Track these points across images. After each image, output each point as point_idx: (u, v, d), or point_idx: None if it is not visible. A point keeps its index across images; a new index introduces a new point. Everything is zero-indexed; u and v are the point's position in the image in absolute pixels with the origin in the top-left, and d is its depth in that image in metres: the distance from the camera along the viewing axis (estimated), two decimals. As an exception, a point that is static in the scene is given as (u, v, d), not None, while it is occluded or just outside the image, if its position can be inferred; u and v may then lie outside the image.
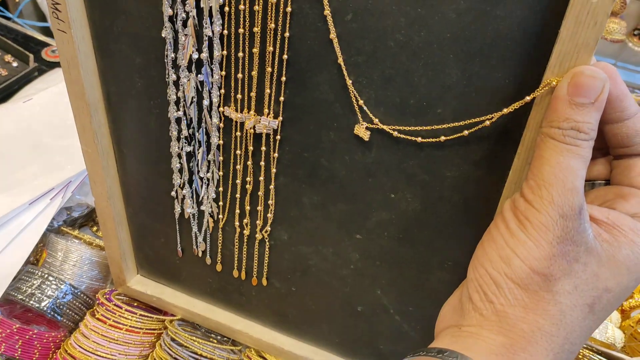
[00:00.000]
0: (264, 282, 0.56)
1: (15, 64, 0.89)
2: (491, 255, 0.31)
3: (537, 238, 0.29)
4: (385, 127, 0.38)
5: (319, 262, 0.51)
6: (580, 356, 0.60)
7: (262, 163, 0.46)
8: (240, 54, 0.40)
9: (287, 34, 0.37)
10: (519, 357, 0.29)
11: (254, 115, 0.43)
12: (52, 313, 0.63)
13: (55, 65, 0.91)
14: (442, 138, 0.37)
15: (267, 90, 0.40)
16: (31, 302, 0.62)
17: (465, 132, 0.36)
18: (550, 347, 0.29)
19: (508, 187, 0.37)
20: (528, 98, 0.32)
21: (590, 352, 0.60)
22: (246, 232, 0.52)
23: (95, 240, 0.71)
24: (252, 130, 0.44)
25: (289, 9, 0.36)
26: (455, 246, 0.44)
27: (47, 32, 1.13)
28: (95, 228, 0.76)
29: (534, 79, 0.32)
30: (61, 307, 0.64)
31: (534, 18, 0.31)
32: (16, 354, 0.60)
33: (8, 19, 1.07)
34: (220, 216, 0.52)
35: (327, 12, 0.35)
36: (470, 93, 0.35)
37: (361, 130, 0.39)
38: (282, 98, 0.41)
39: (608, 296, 0.30)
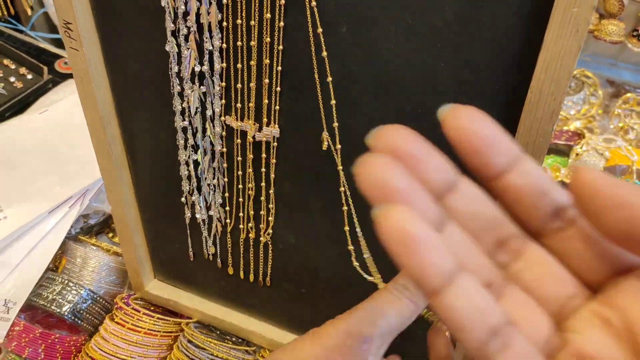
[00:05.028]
0: (271, 283, 0.57)
1: (29, 76, 0.91)
2: None
3: None
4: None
5: (326, 263, 0.52)
6: None
7: (263, 169, 0.47)
8: (239, 66, 0.42)
9: (280, 47, 0.39)
10: None
11: (253, 124, 0.44)
12: (72, 317, 0.65)
13: (69, 76, 0.94)
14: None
15: (265, 100, 0.42)
16: (52, 307, 0.65)
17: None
18: None
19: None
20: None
21: None
22: (252, 235, 0.54)
23: (112, 247, 0.73)
24: (251, 138, 0.45)
25: (281, 23, 0.38)
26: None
27: (58, 43, 1.15)
28: (111, 234, 0.78)
29: (523, 85, 0.33)
30: (81, 311, 0.66)
31: (519, 25, 0.32)
32: (39, 358, 0.62)
33: (21, 32, 1.10)
34: (228, 221, 0.54)
35: (319, 30, 0.36)
36: (463, 99, 0.36)
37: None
38: (277, 107, 0.43)
39: None
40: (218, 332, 0.67)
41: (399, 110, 0.39)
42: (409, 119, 0.39)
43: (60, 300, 0.65)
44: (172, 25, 0.42)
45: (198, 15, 0.40)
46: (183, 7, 0.40)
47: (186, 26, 0.42)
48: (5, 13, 0.96)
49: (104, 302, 0.68)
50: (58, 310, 0.65)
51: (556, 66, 0.31)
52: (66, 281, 0.67)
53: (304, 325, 0.61)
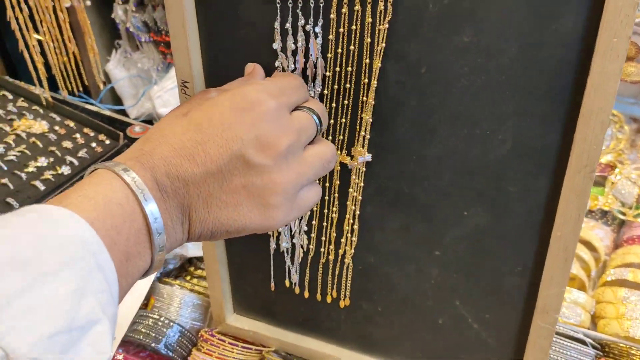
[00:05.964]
0: (349, 302, 0.63)
1: (107, 142, 1.02)
2: None
3: None
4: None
5: (402, 280, 0.59)
6: (625, 355, 0.66)
7: (355, 193, 0.55)
8: (334, 105, 0.50)
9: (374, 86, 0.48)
10: None
11: (344, 154, 0.52)
12: (165, 350, 0.72)
13: (140, 140, 1.05)
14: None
15: (362, 133, 0.50)
16: (148, 340, 0.71)
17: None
18: None
19: (564, 193, 0.45)
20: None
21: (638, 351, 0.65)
22: (331, 257, 0.60)
23: (194, 286, 0.80)
24: (338, 167, 0.53)
25: (379, 64, 0.46)
26: (522, 252, 0.52)
27: (123, 113, 1.28)
28: (189, 277, 0.85)
29: (575, 105, 0.41)
30: (172, 344, 0.73)
31: (570, 57, 0.40)
32: (140, 386, 0.69)
33: (91, 104, 1.22)
34: (311, 246, 0.61)
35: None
36: (524, 120, 0.44)
37: None
38: (367, 136, 0.51)
39: None
40: (295, 358, 0.73)
41: (469, 135, 0.47)
42: (477, 141, 0.47)
43: (154, 334, 0.72)
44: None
45: (305, 69, 0.49)
46: (292, 65, 0.49)
47: (293, 79, 0.51)
48: (82, 89, 1.08)
49: (190, 335, 0.75)
50: (155, 344, 0.71)
51: (603, 86, 0.39)
52: (157, 317, 0.74)
53: (377, 345, 0.67)
